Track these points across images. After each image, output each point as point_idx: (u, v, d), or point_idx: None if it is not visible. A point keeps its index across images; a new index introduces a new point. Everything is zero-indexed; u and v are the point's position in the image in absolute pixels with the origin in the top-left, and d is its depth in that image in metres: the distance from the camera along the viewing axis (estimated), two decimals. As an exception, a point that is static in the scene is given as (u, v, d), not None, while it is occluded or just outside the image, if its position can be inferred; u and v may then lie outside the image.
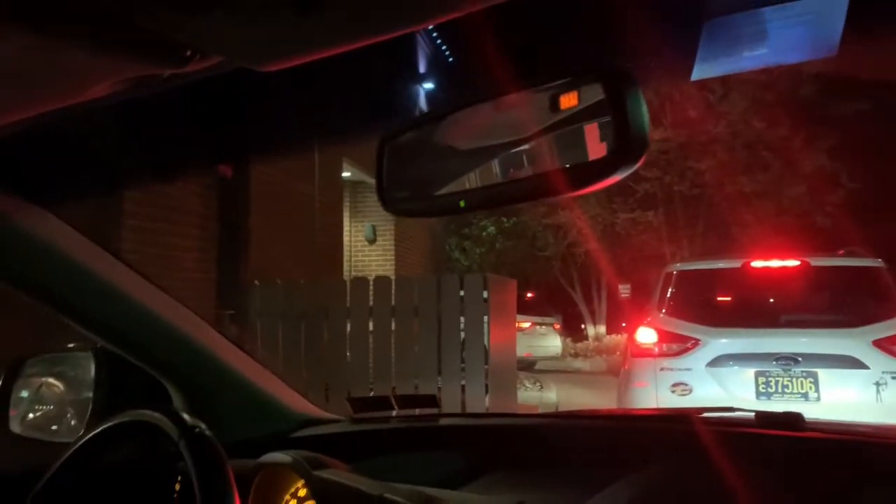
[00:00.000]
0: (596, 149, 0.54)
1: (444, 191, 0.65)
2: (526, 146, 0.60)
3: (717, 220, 14.29)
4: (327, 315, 5.98)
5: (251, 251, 6.67)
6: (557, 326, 17.07)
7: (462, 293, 5.95)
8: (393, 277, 6.60)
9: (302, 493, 1.11)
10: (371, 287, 6.08)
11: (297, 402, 1.46)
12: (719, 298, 5.31)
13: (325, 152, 8.74)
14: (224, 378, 1.32)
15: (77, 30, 0.57)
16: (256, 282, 6.13)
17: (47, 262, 1.06)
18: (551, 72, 0.55)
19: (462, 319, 5.92)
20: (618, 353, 13.99)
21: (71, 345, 1.45)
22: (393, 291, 6.05)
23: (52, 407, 1.49)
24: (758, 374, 4.42)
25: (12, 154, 0.97)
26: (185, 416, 0.86)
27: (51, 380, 1.49)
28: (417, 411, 1.60)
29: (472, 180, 0.63)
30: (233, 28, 0.55)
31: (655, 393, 4.59)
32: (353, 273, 10.73)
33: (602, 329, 19.61)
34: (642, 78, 0.53)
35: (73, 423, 1.43)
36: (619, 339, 16.52)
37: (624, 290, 15.53)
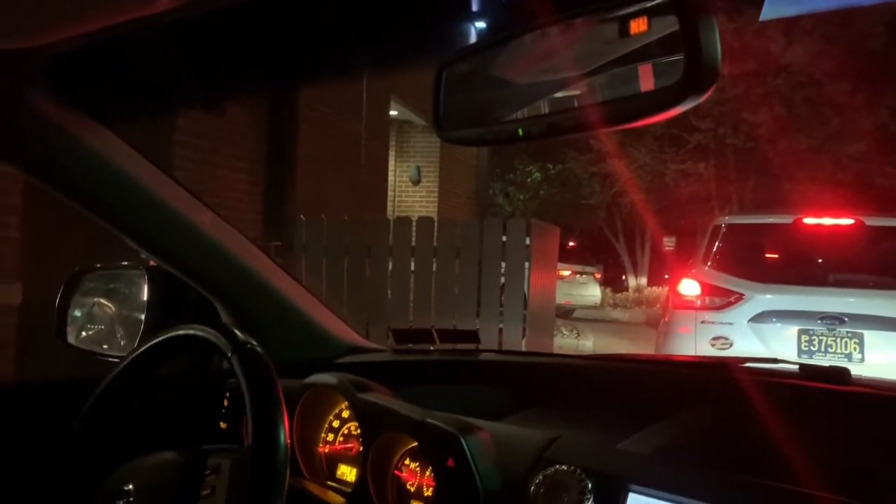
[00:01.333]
0: (663, 78, 0.53)
1: (502, 119, 0.64)
2: (589, 74, 0.59)
3: (770, 176, 13.92)
4: (370, 252, 6.06)
5: (298, 185, 6.72)
6: (598, 276, 16.99)
7: (504, 238, 5.95)
8: (436, 219, 6.62)
9: (345, 414, 1.15)
10: (414, 227, 6.11)
11: (341, 330, 1.49)
12: (766, 254, 5.20)
13: (372, 88, 8.68)
14: (272, 301, 1.35)
15: None
16: (302, 216, 6.21)
17: (106, 178, 1.08)
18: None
19: (503, 263, 5.94)
20: (658, 305, 13.91)
21: (125, 262, 1.49)
22: (435, 232, 6.07)
23: (106, 322, 1.55)
24: (801, 333, 4.35)
25: (75, 71, 0.98)
26: (238, 332, 0.89)
27: (105, 296, 1.54)
28: (457, 346, 1.62)
29: (531, 109, 0.62)
30: None
31: (695, 345, 4.57)
32: (397, 213, 10.77)
33: (643, 280, 19.47)
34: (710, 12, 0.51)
35: (125, 338, 1.49)
36: (660, 291, 16.40)
37: (668, 243, 15.33)
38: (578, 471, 0.89)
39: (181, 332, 0.97)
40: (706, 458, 0.94)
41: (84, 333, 1.54)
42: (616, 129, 0.59)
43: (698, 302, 4.67)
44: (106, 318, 1.56)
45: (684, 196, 15.45)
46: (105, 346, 1.51)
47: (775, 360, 1.36)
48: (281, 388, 0.86)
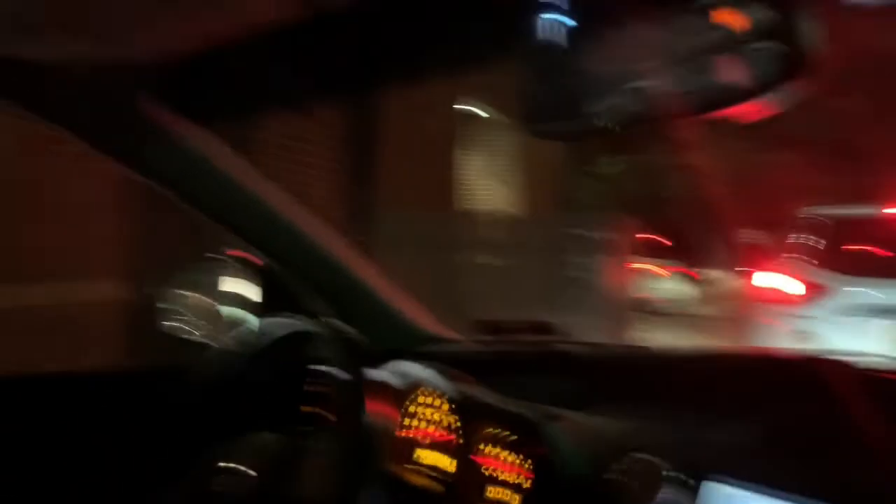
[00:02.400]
0: (757, 68, 0.53)
1: (587, 111, 0.66)
2: (677, 63, 0.59)
3: (865, 167, 13.26)
4: (449, 245, 6.11)
5: (380, 182, 6.85)
6: (679, 269, 16.56)
7: (581, 231, 5.91)
8: (512, 213, 6.62)
9: (435, 402, 1.18)
10: (491, 221, 6.13)
11: (424, 320, 1.53)
12: (853, 246, 4.99)
13: (448, 86, 8.72)
14: (358, 291, 1.40)
15: None
16: (385, 211, 6.33)
17: (207, 177, 1.16)
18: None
19: (581, 257, 5.90)
20: (743, 298, 13.45)
21: (219, 255, 1.57)
22: (512, 226, 6.08)
23: (202, 312, 1.63)
24: (889, 327, 4.17)
25: (181, 79, 1.05)
26: (332, 320, 0.93)
27: (202, 287, 1.63)
28: (536, 337, 1.63)
29: (618, 100, 0.62)
30: None
31: (779, 339, 4.43)
32: (475, 207, 10.80)
33: (727, 274, 18.87)
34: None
35: (220, 327, 1.57)
36: (745, 284, 15.88)
37: (754, 235, 14.80)
38: (657, 460, 0.89)
39: (287, 330, 1.02)
40: (790, 451, 0.93)
41: (181, 322, 1.63)
42: (706, 119, 0.59)
43: (782, 295, 4.52)
44: (203, 309, 1.64)
45: (772, 187, 14.89)
46: (200, 335, 1.59)
47: (866, 355, 1.31)
48: (370, 376, 0.90)
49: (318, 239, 1.33)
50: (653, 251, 17.20)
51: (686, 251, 19.85)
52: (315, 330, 0.94)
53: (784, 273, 4.64)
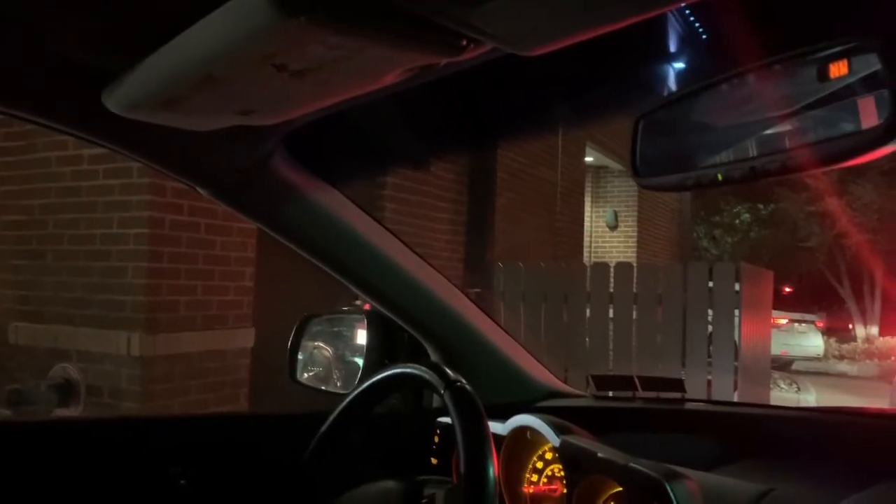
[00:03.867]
0: (867, 118, 0.52)
1: (700, 164, 0.66)
2: (788, 118, 0.59)
3: None
4: (566, 298, 6.04)
5: (496, 234, 6.92)
6: (820, 324, 15.54)
7: (711, 283, 5.67)
8: (635, 264, 6.48)
9: (549, 455, 1.17)
10: (612, 272, 6.02)
11: (542, 375, 1.52)
12: None
13: (568, 136, 8.76)
14: (477, 344, 1.42)
15: (375, 28, 0.66)
16: (500, 263, 6.37)
17: (334, 231, 1.22)
18: (818, 39, 0.53)
19: (710, 311, 5.65)
20: (893, 357, 12.42)
21: (346, 308, 1.64)
22: (635, 278, 5.94)
23: (329, 362, 1.70)
24: None
25: (309, 139, 1.13)
26: (450, 371, 0.95)
27: (329, 338, 1.70)
28: (661, 395, 1.58)
29: (729, 154, 0.63)
30: (505, 16, 0.60)
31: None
32: (594, 258, 10.66)
33: (874, 330, 17.49)
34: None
35: (346, 377, 1.63)
36: (893, 342, 14.65)
37: (903, 288, 13.71)
38: None
39: (399, 370, 1.06)
40: None
41: (310, 373, 1.71)
42: (819, 171, 0.58)
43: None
44: (329, 359, 1.71)
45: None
46: (328, 385, 1.66)
47: None
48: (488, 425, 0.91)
49: (438, 292, 1.37)
50: (790, 304, 16.26)
51: (826, 305, 18.60)
52: (436, 379, 0.96)
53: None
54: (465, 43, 0.68)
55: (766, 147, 0.60)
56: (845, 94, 0.55)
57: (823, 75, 0.54)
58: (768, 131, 0.60)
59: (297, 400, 1.59)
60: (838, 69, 0.53)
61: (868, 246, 15.21)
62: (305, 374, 1.69)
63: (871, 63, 0.51)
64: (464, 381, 0.93)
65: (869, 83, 0.52)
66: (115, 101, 0.82)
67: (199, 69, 0.75)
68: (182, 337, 3.97)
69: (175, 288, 3.96)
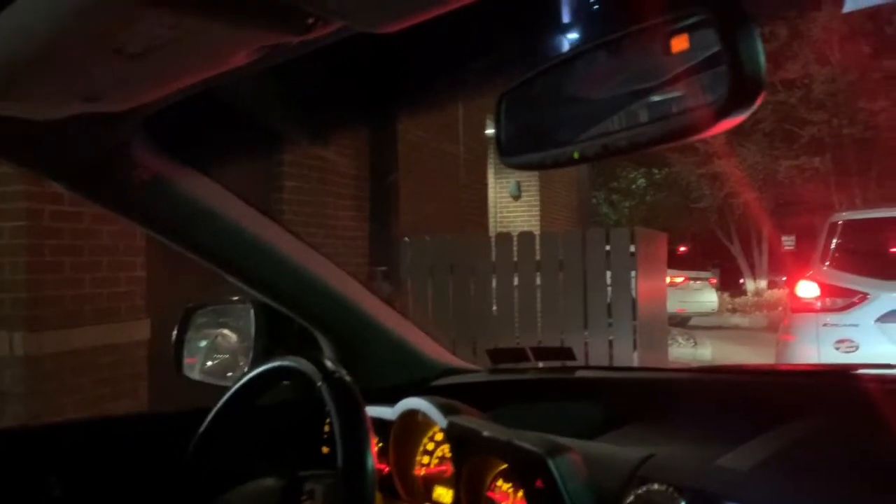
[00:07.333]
0: (710, 92, 0.52)
1: (559, 142, 0.65)
2: (638, 94, 0.59)
3: (894, 166, 13.01)
4: (474, 270, 6.10)
5: (400, 209, 6.88)
6: (713, 281, 16.33)
7: (608, 247, 5.85)
8: (538, 233, 6.60)
9: (438, 437, 1.17)
10: (515, 242, 6.11)
11: (437, 353, 1.52)
12: (891, 249, 4.87)
13: (469, 109, 8.78)
14: (369, 328, 1.39)
15: (212, 6, 0.62)
16: (406, 238, 6.35)
17: (204, 221, 1.16)
18: (658, 11, 0.53)
19: (609, 274, 5.83)
20: (779, 308, 13.21)
21: (234, 297, 1.58)
22: (537, 246, 6.05)
23: (217, 354, 1.64)
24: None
25: (169, 121, 1.06)
26: (326, 362, 0.93)
27: (216, 329, 1.64)
28: (555, 364, 1.61)
29: (585, 131, 0.62)
30: None
31: (818, 350, 4.32)
32: (499, 229, 10.81)
33: (763, 283, 18.56)
34: (791, 7, 0.50)
35: (234, 369, 1.57)
36: (780, 293, 15.58)
37: (787, 242, 14.57)
38: (671, 489, 0.87)
39: (277, 364, 1.02)
40: (812, 473, 0.90)
41: (199, 365, 1.64)
42: (666, 147, 0.58)
43: (819, 304, 4.42)
44: (218, 351, 1.65)
45: (800, 193, 14.67)
46: (216, 378, 1.60)
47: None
48: (373, 414, 0.89)
49: (323, 277, 1.33)
50: (685, 263, 17.01)
51: (719, 262, 19.57)
52: (312, 371, 0.93)
53: (820, 281, 4.54)
54: (311, 21, 0.65)
55: (617, 124, 0.60)
56: (689, 70, 0.55)
57: (667, 49, 0.54)
58: (619, 108, 0.60)
59: (198, 391, 1.53)
60: (679, 43, 0.53)
61: (755, 204, 16.04)
62: (196, 367, 1.62)
63: (710, 38, 0.51)
64: (343, 371, 0.91)
65: (709, 58, 0.53)
66: None
67: (28, 48, 0.69)
68: (71, 333, 3.77)
69: (59, 282, 3.75)
